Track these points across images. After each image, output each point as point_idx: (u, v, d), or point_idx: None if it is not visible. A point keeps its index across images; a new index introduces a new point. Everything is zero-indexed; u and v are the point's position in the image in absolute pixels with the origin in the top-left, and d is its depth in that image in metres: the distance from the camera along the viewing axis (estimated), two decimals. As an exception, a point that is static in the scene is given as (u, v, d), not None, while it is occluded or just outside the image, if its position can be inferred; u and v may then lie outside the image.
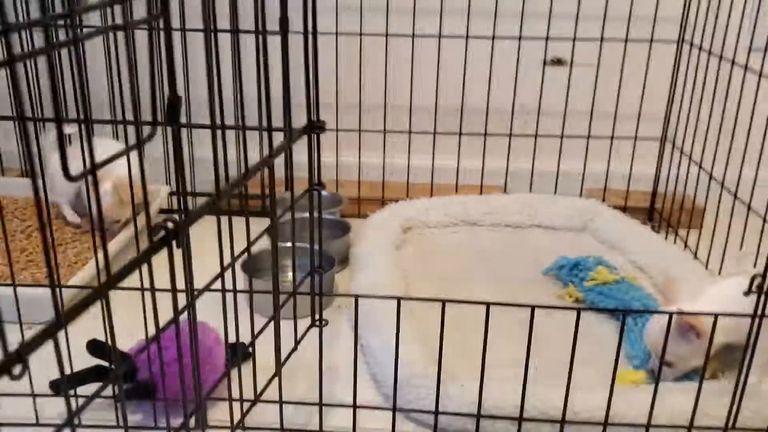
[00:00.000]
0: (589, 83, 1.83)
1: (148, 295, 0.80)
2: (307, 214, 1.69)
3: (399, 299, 0.98)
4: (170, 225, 0.63)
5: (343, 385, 1.17)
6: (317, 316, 1.04)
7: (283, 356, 1.00)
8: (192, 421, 0.91)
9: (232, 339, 1.00)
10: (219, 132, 0.76)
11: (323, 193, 1.84)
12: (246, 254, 0.98)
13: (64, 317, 0.51)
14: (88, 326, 1.04)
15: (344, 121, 1.85)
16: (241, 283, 1.35)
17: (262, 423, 1.08)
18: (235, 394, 1.00)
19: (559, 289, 1.50)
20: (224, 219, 0.84)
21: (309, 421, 1.10)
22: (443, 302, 0.97)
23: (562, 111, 1.84)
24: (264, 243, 1.56)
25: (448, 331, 1.31)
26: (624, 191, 1.87)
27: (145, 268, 0.66)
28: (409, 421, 1.12)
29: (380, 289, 1.36)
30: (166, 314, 0.82)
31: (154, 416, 1.09)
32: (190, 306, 0.71)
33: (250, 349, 1.17)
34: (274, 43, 0.88)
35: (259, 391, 0.99)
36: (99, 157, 1.16)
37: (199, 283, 0.81)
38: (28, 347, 0.48)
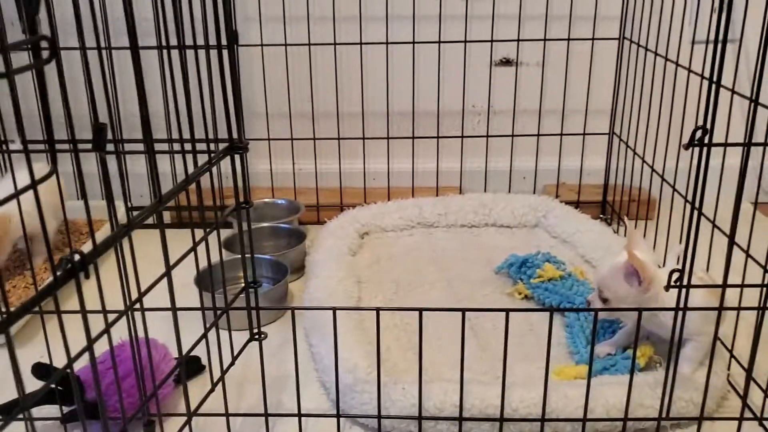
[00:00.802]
0: (537, 82, 1.87)
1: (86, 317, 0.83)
2: (263, 224, 1.73)
3: (334, 309, 1.00)
4: (76, 257, 0.65)
5: (293, 394, 1.19)
6: (255, 330, 1.06)
7: (221, 367, 1.02)
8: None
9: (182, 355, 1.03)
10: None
11: (280, 201, 1.88)
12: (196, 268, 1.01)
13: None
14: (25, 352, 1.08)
15: (298, 130, 1.88)
16: (194, 296, 1.37)
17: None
18: (184, 408, 1.02)
19: (509, 286, 1.53)
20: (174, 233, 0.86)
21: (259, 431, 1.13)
22: (377, 310, 0.99)
23: (512, 110, 1.87)
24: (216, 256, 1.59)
25: (397, 336, 1.35)
26: (576, 186, 1.91)
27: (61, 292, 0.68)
28: (356, 426, 1.14)
29: (332, 296, 1.38)
30: (117, 333, 0.85)
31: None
32: (107, 331, 0.73)
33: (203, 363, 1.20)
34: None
35: (200, 404, 1.02)
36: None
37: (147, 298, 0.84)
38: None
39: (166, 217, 1.86)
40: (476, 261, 1.64)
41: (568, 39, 1.79)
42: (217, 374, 1.06)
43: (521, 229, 1.79)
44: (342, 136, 1.87)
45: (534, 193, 1.91)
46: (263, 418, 1.10)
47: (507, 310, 0.97)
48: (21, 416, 1.09)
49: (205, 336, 1.00)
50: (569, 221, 1.73)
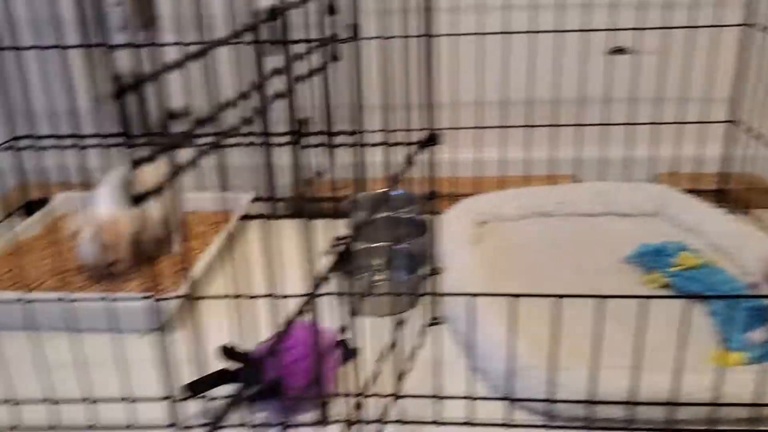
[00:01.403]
0: (651, 70, 1.87)
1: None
2: (383, 214, 1.76)
3: (514, 295, 1.02)
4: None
5: (450, 379, 1.22)
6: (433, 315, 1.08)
7: (407, 353, 1.05)
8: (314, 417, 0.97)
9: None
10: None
11: (398, 192, 1.90)
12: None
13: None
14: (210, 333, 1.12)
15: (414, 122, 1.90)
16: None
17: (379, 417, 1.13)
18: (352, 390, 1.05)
19: (641, 276, 1.53)
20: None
21: (423, 413, 1.15)
22: (515, 296, 1.01)
23: (627, 98, 1.88)
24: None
25: (538, 324, 1.37)
26: (692, 175, 1.91)
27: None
28: (520, 410, 1.16)
29: (472, 285, 1.40)
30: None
31: (282, 414, 1.14)
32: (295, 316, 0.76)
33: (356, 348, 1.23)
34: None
35: (392, 386, 1.04)
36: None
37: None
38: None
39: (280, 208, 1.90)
40: (602, 250, 1.65)
41: (689, 26, 1.78)
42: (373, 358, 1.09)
43: (640, 218, 1.80)
44: (456, 125, 1.89)
45: (649, 182, 1.91)
46: (428, 400, 1.13)
47: (659, 297, 0.99)
48: (202, 396, 1.14)
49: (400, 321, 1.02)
50: (692, 210, 1.73)
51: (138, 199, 0.39)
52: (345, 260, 0.68)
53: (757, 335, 1.24)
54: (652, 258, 1.53)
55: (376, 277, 1.56)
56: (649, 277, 1.51)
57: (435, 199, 1.00)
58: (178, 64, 0.45)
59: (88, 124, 1.96)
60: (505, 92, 1.87)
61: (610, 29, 1.82)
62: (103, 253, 1.45)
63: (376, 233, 1.64)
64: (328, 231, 0.95)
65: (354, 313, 1.05)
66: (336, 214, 1.03)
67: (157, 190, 0.52)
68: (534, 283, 1.52)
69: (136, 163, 0.41)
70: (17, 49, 1.83)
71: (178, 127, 0.46)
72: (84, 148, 1.89)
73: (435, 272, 1.07)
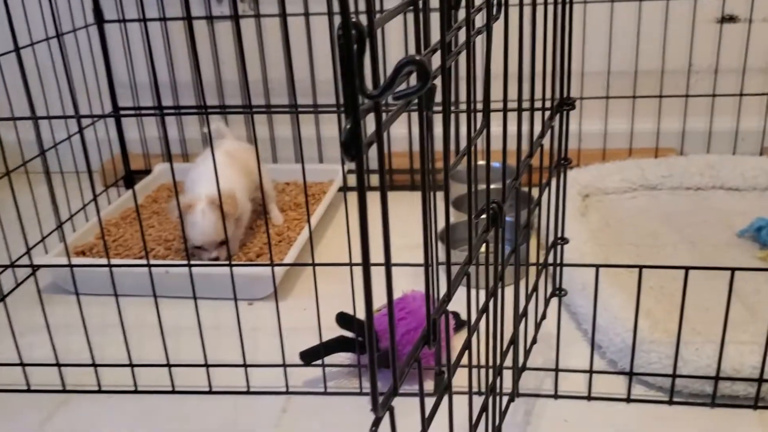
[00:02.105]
0: (763, 39, 1.80)
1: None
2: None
3: (641, 267, 0.99)
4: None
5: (563, 352, 1.19)
6: (557, 286, 1.06)
7: (531, 326, 1.03)
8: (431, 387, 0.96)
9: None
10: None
11: (495, 164, 1.88)
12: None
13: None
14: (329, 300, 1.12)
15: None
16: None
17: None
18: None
19: (758, 251, 1.48)
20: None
21: (540, 386, 1.13)
22: (640, 268, 0.98)
23: (736, 69, 1.81)
24: (455, 215, 1.60)
25: (657, 298, 1.33)
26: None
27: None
28: (639, 384, 1.14)
29: (584, 257, 1.37)
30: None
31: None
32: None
33: (463, 319, 1.22)
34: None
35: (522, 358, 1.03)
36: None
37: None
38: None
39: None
40: (713, 224, 1.60)
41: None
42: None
43: (752, 192, 1.74)
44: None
45: (761, 154, 1.84)
46: (552, 373, 1.11)
47: None
48: (319, 362, 1.14)
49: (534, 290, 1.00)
50: (807, 184, 1.67)
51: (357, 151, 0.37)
52: (495, 224, 0.67)
53: None
54: (767, 232, 1.48)
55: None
56: (766, 252, 1.46)
57: (568, 164, 0.97)
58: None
59: (188, 96, 1.99)
60: (609, 62, 1.82)
61: (721, -4, 1.76)
62: (218, 228, 1.43)
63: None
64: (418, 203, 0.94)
65: (468, 283, 1.04)
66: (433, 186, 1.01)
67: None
68: (645, 257, 1.48)
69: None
70: (122, 21, 1.85)
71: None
72: (182, 113, 1.91)
73: (559, 243, 1.04)
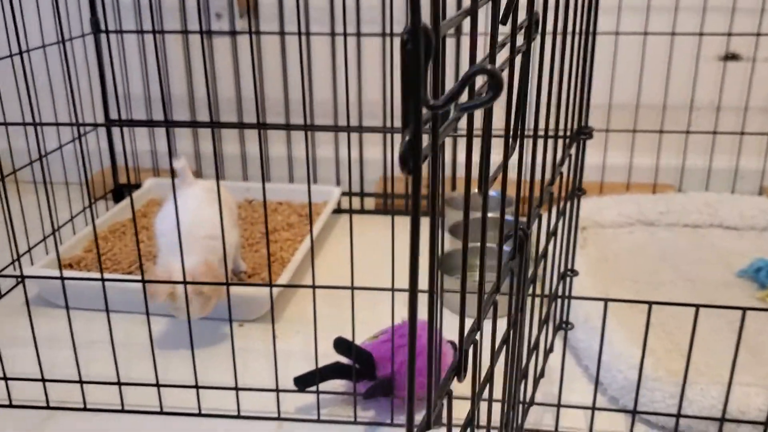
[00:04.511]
0: (765, 79, 1.80)
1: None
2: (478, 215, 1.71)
3: (651, 302, 0.97)
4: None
5: (563, 387, 1.17)
6: (564, 319, 1.04)
7: (540, 359, 1.00)
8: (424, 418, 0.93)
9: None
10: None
11: (492, 193, 1.86)
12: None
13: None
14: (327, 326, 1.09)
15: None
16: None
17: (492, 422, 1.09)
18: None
19: (756, 291, 1.47)
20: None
21: (540, 421, 1.10)
22: (650, 304, 0.96)
23: (737, 107, 1.81)
24: (452, 242, 1.58)
25: (657, 335, 1.31)
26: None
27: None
28: (641, 423, 1.11)
29: (583, 291, 1.35)
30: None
31: (391, 413, 1.11)
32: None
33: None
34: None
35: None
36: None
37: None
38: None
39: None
40: (712, 262, 1.59)
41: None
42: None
43: (749, 232, 1.72)
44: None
45: (760, 194, 1.83)
46: (546, 408, 1.08)
47: None
48: (314, 389, 1.10)
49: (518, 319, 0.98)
50: (807, 226, 1.66)
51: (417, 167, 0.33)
52: (520, 251, 0.64)
53: None
54: (767, 274, 1.46)
55: (473, 277, 1.51)
56: (765, 293, 1.44)
57: (582, 194, 0.95)
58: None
59: (183, 110, 1.96)
60: (611, 95, 1.81)
61: (724, 34, 1.76)
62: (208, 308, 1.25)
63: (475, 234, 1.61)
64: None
65: (466, 312, 1.01)
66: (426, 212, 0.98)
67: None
68: (643, 293, 1.46)
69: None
70: (119, 32, 1.83)
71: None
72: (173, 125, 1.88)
73: (568, 274, 1.02)
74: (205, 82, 1.88)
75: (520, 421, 0.92)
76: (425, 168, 0.36)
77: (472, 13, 0.40)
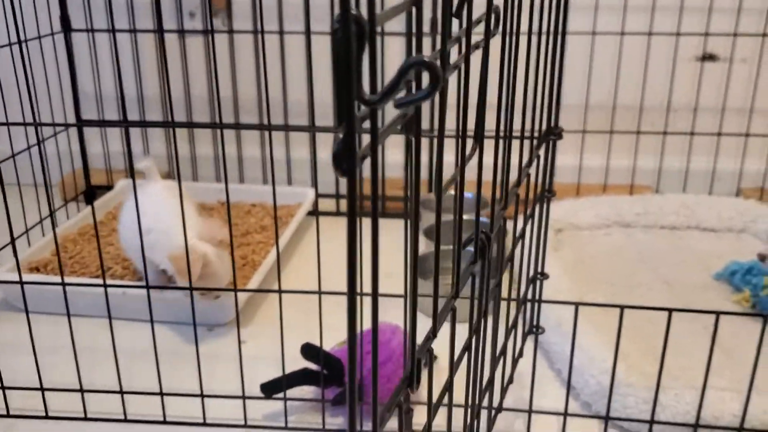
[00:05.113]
0: (742, 80, 1.79)
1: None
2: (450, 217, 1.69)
3: (624, 306, 0.95)
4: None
5: (535, 392, 1.15)
6: (534, 323, 1.02)
7: (509, 364, 0.98)
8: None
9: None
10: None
11: (467, 195, 1.84)
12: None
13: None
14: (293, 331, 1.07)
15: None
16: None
17: (457, 428, 1.06)
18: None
19: (732, 294, 1.45)
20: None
21: (511, 427, 1.08)
22: (621, 308, 0.94)
23: (714, 108, 1.80)
24: (427, 244, 1.56)
25: (632, 338, 1.29)
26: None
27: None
28: (614, 429, 1.09)
29: (558, 293, 1.33)
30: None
31: (360, 419, 1.08)
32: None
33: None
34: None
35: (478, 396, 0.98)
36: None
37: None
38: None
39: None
40: (689, 264, 1.57)
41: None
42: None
43: (727, 234, 1.71)
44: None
45: (736, 196, 1.82)
46: (525, 414, 1.06)
47: (764, 315, 0.92)
48: (281, 396, 1.08)
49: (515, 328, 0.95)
50: (783, 227, 1.65)
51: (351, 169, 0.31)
52: (482, 256, 0.62)
53: None
54: (741, 277, 1.45)
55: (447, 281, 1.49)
56: (740, 296, 1.43)
57: (552, 196, 0.93)
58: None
59: (156, 110, 1.93)
60: (587, 96, 1.80)
61: (702, 34, 1.75)
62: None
63: (448, 236, 1.59)
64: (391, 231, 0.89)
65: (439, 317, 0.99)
66: (400, 215, 0.97)
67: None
68: (619, 296, 1.45)
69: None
70: (89, 31, 1.79)
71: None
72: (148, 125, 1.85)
73: (539, 278, 1.00)
74: (159, 82, 1.85)
75: (486, 429, 0.90)
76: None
77: (416, 2, 0.38)
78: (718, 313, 0.95)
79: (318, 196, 1.78)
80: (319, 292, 1.01)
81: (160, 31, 0.83)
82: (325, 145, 1.87)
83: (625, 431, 1.09)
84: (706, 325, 1.30)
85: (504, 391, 1.02)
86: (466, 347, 0.65)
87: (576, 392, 1.16)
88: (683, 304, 1.41)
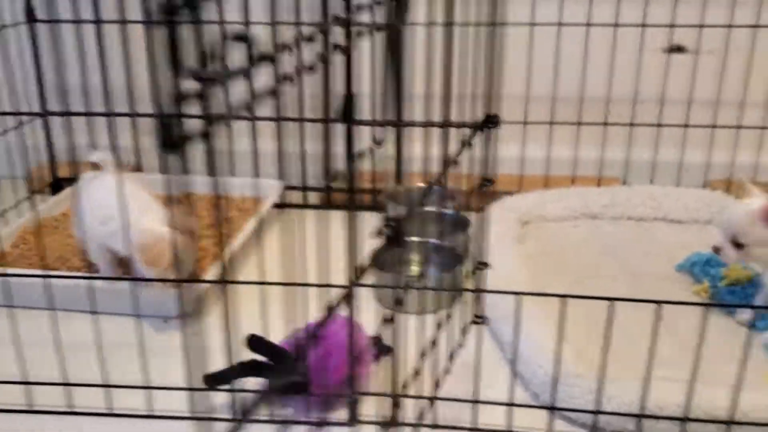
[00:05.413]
0: (709, 72, 1.78)
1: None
2: (424, 209, 1.68)
3: (564, 295, 0.95)
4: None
5: (489, 382, 1.14)
6: (478, 314, 1.01)
7: (447, 353, 0.98)
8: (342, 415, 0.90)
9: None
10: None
11: (435, 187, 1.83)
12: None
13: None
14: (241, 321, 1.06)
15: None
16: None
17: (410, 419, 1.06)
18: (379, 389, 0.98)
19: (693, 285, 1.45)
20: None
21: (459, 417, 1.08)
22: (563, 297, 0.94)
23: (682, 100, 1.79)
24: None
25: (587, 329, 1.29)
26: (745, 183, 1.82)
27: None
28: (561, 419, 1.09)
29: (516, 285, 1.32)
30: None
31: (307, 410, 1.08)
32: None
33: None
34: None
35: (429, 387, 0.97)
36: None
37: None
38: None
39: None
40: (655, 256, 1.57)
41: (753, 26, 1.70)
42: (408, 357, 1.02)
43: (693, 225, 1.71)
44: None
45: (704, 187, 1.82)
46: (463, 404, 1.06)
47: (708, 305, 0.92)
48: (225, 388, 1.07)
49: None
50: (748, 219, 1.64)
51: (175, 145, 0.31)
52: (395, 244, 0.61)
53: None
54: (701, 268, 1.45)
55: (414, 273, 1.49)
56: (700, 287, 1.43)
57: (490, 186, 0.92)
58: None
59: (122, 102, 1.91)
60: (555, 87, 1.79)
61: (668, 25, 1.74)
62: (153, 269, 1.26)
63: (414, 228, 1.57)
64: (363, 223, 0.88)
65: (392, 308, 0.98)
66: (370, 207, 0.96)
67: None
68: (580, 286, 1.44)
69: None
70: (54, 22, 1.78)
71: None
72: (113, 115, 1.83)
73: (480, 268, 0.99)
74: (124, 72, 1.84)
75: (416, 419, 0.89)
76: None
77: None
78: (659, 302, 0.95)
79: (294, 188, 1.78)
80: (263, 283, 1.00)
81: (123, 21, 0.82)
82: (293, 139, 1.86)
83: (573, 422, 1.08)
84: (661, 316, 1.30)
85: (437, 381, 1.01)
86: (376, 339, 0.65)
87: (526, 382, 1.15)
88: (646, 295, 1.39)
